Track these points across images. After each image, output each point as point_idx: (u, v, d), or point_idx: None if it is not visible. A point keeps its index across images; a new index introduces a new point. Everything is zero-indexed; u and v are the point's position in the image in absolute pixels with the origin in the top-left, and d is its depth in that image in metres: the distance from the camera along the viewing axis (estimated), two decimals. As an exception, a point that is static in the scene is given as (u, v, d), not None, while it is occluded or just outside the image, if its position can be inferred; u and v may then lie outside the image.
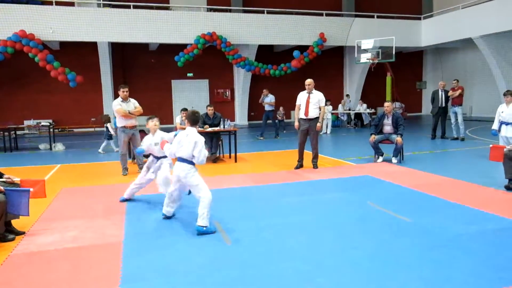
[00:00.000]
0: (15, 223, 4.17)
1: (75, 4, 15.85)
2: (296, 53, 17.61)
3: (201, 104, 18.14)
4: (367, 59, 16.87)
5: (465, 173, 6.80)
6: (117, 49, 17.41)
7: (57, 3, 14.88)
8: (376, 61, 16.57)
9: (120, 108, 7.07)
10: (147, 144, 5.33)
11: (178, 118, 8.93)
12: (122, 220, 4.56)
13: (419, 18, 19.95)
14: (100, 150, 10.45)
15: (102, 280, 3.08)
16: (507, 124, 7.52)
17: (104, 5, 16.43)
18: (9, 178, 4.25)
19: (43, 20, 14.37)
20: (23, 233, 4.15)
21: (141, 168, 7.43)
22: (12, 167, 8.19)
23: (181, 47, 16.29)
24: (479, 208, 4.73)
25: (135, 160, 7.99)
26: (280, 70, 17.87)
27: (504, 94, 7.71)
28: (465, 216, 4.47)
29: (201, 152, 4.09)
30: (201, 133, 4.56)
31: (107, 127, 10.59)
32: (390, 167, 7.52)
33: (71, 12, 14.91)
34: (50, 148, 11.33)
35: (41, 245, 3.83)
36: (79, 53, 16.82)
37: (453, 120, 11.23)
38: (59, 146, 11.31)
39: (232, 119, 19.59)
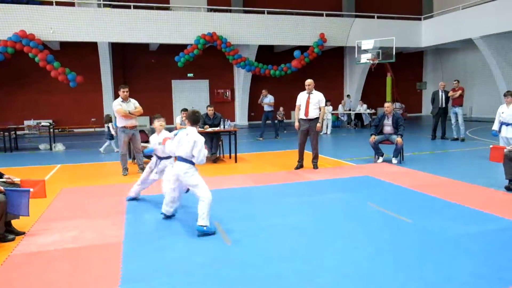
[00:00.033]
0: (15, 223, 4.17)
1: (75, 4, 15.85)
2: (296, 53, 17.61)
3: (201, 104, 18.14)
4: (367, 59, 16.88)
5: (465, 173, 6.80)
6: (117, 49, 17.41)
7: (57, 3, 14.89)
8: (376, 61, 16.57)
9: (120, 108, 7.07)
10: (153, 143, 5.32)
11: (178, 119, 8.93)
12: (122, 220, 4.56)
13: (420, 19, 19.95)
14: (101, 150, 10.48)
15: (102, 280, 3.08)
16: (507, 124, 7.52)
17: (104, 5, 16.44)
18: (9, 178, 4.25)
19: (43, 20, 14.37)
20: (23, 233, 4.15)
21: (141, 169, 7.44)
22: (12, 167, 8.19)
23: (181, 47, 16.29)
24: (479, 208, 4.73)
25: (135, 160, 7.99)
26: (280, 70, 17.87)
27: (505, 95, 7.71)
28: (465, 217, 4.47)
29: (201, 151, 4.09)
30: (201, 133, 4.56)
31: (108, 127, 10.60)
32: (390, 168, 7.52)
33: (71, 12, 14.92)
34: (50, 148, 11.33)
35: (41, 245, 3.83)
36: (79, 53, 16.83)
37: (453, 121, 11.23)
38: (59, 146, 11.31)
39: (232, 120, 19.60)
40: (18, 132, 12.77)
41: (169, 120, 17.71)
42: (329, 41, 18.08)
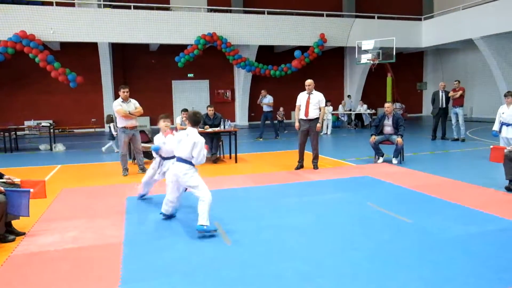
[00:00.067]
0: (15, 223, 4.17)
1: (76, 5, 15.88)
2: (297, 53, 17.61)
3: (201, 105, 18.14)
4: (367, 59, 16.87)
5: (466, 174, 6.80)
6: (117, 49, 17.42)
7: (58, 4, 14.90)
8: (376, 61, 16.57)
9: (120, 108, 7.06)
10: (158, 143, 5.31)
11: (178, 119, 8.94)
12: (122, 221, 4.56)
13: (420, 19, 19.95)
14: (103, 149, 10.54)
15: (102, 280, 3.08)
16: (507, 125, 7.52)
17: (105, 6, 16.45)
18: (9, 178, 4.25)
19: (43, 20, 14.38)
20: (24, 233, 4.15)
21: (141, 169, 7.45)
22: (12, 167, 8.20)
23: (182, 47, 16.29)
24: (479, 209, 4.73)
25: (135, 160, 8.00)
26: (280, 70, 17.87)
27: (505, 95, 7.71)
28: (465, 217, 4.47)
29: (200, 153, 4.09)
30: (201, 133, 4.56)
31: (110, 127, 10.61)
32: (391, 168, 7.52)
33: (72, 12, 14.93)
34: (51, 149, 11.34)
35: (41, 245, 3.83)
36: (79, 54, 16.85)
37: (453, 121, 11.23)
38: (59, 147, 11.32)
39: (233, 120, 19.61)
40: (19, 133, 12.78)
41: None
42: (329, 41, 18.08)
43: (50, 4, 14.78)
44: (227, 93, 20.05)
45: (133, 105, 7.27)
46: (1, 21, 13.94)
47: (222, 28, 16.66)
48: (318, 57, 18.23)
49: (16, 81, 16.75)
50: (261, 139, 13.01)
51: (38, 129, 14.30)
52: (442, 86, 11.62)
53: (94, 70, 16.57)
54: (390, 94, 17.33)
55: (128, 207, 5.14)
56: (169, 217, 4.59)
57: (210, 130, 8.58)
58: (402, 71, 21.25)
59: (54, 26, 14.50)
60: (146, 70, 18.54)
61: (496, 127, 7.79)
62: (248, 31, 17.09)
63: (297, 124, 7.55)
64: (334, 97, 17.68)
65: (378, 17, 19.12)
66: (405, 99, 20.93)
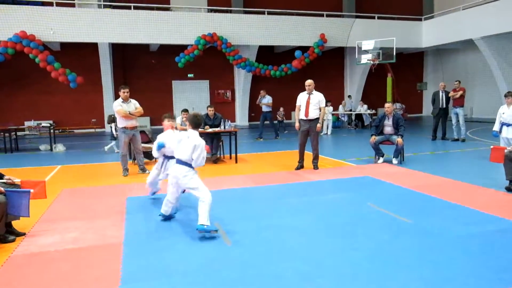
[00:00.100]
0: (15, 224, 4.17)
1: (76, 5, 15.88)
2: (297, 53, 17.62)
3: (201, 105, 18.16)
4: (367, 60, 16.88)
5: (466, 174, 6.80)
6: (117, 50, 17.43)
7: (58, 4, 14.91)
8: (376, 62, 16.57)
9: (120, 109, 7.06)
10: (162, 138, 5.30)
11: (178, 119, 8.93)
12: (122, 221, 4.56)
13: (420, 19, 19.95)
14: (105, 149, 10.60)
15: (102, 280, 3.08)
16: (508, 125, 7.52)
17: (105, 6, 16.46)
18: (9, 179, 4.25)
19: (43, 21, 14.39)
20: (24, 234, 4.15)
21: (141, 169, 7.45)
22: (12, 168, 8.20)
23: (182, 48, 16.30)
24: (480, 209, 4.72)
25: (135, 161, 8.00)
26: (280, 70, 17.87)
27: (505, 95, 7.71)
28: (466, 217, 4.46)
29: (200, 155, 4.07)
30: (201, 133, 4.56)
31: (111, 128, 10.62)
32: (391, 168, 7.52)
33: (72, 13, 14.94)
34: (51, 149, 11.34)
35: (41, 246, 3.83)
36: (79, 54, 16.85)
37: (454, 121, 11.23)
38: (59, 147, 11.32)
39: (233, 120, 19.60)
40: (19, 133, 12.79)
41: (170, 120, 17.72)
42: (329, 41, 18.09)
43: (50, 4, 14.79)
44: (227, 93, 20.06)
45: (133, 105, 7.27)
46: (1, 22, 13.95)
47: (222, 28, 16.67)
48: (318, 57, 18.23)
49: (16, 82, 16.76)
50: (261, 139, 13.00)
51: (38, 129, 14.30)
52: (442, 86, 11.62)
53: (94, 70, 16.57)
54: (390, 94, 17.33)
55: (128, 207, 5.14)
56: (168, 218, 4.59)
57: (210, 130, 8.58)
58: (402, 71, 21.25)
59: (54, 27, 14.51)
60: (146, 70, 18.54)
61: (496, 127, 7.79)
62: (248, 31, 17.10)
63: (297, 124, 7.54)
64: (334, 97, 17.68)
65: (378, 17, 19.13)
66: (405, 99, 20.92)
